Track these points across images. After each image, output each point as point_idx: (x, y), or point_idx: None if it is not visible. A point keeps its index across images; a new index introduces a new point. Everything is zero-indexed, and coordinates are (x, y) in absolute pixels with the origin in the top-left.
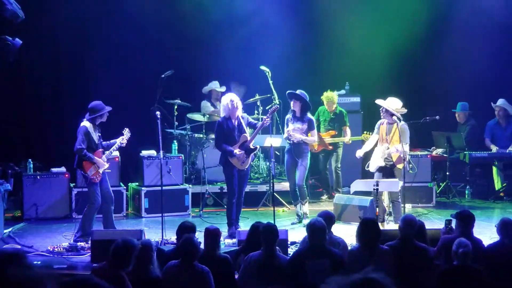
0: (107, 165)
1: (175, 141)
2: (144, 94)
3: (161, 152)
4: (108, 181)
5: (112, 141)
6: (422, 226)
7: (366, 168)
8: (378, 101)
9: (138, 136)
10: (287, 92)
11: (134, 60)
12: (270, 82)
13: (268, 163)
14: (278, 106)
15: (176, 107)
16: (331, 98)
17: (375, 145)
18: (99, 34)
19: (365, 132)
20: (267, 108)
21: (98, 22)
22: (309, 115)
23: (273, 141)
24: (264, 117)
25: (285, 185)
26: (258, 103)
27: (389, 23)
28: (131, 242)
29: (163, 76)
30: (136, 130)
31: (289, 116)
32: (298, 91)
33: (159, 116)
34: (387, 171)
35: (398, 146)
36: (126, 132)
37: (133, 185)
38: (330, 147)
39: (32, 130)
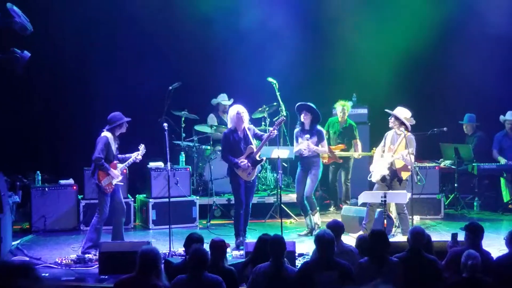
0: (120, 177)
1: (182, 152)
2: (151, 106)
3: (169, 163)
4: (121, 193)
5: (127, 155)
6: (428, 238)
7: (368, 179)
8: (388, 110)
9: (146, 148)
10: (298, 104)
11: (142, 72)
12: (278, 93)
13: (275, 175)
14: (285, 118)
15: (183, 119)
16: (347, 107)
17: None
18: (107, 47)
19: (374, 148)
20: (274, 120)
21: (106, 35)
22: (318, 126)
23: (280, 152)
24: (271, 128)
25: (292, 197)
26: (265, 115)
27: (397, 34)
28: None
29: (170, 88)
30: (144, 141)
31: (297, 129)
32: (308, 103)
33: (166, 128)
34: (390, 182)
35: (403, 152)
36: (142, 148)
37: (140, 196)
38: (341, 160)
39: (40, 142)
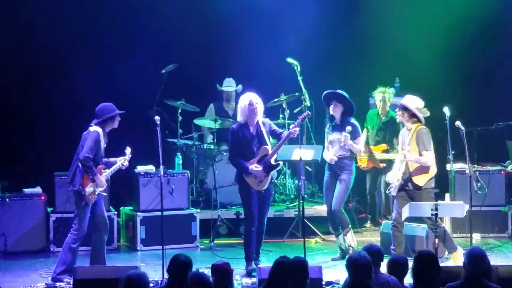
0: (105, 186)
1: (179, 153)
2: (140, 94)
3: (162, 167)
4: (104, 205)
5: (111, 159)
6: (489, 263)
7: (387, 192)
8: (395, 100)
9: (133, 148)
10: (325, 92)
11: (128, 54)
12: (299, 78)
13: (296, 182)
14: (309, 113)
15: (180, 110)
16: (389, 95)
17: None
18: (85, 28)
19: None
20: (295, 111)
21: (86, 15)
22: (352, 120)
23: (303, 153)
24: (292, 125)
25: (318, 210)
26: (284, 106)
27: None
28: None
29: (163, 71)
30: (130, 140)
31: (327, 126)
32: (338, 91)
33: (158, 122)
34: (409, 193)
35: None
36: (128, 153)
37: (126, 209)
38: (382, 165)
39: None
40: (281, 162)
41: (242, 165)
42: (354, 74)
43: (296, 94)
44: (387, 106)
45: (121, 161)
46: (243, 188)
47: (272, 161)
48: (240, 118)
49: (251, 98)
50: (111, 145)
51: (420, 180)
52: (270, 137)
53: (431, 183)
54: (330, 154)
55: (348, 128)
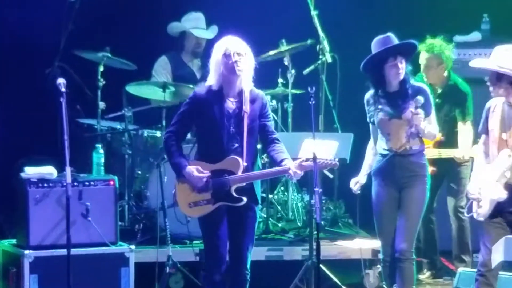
0: None
1: (99, 145)
2: (30, 38)
3: (68, 170)
4: None
5: None
6: None
7: (466, 215)
8: (476, 62)
9: (18, 135)
10: (380, 39)
11: None
12: (313, 13)
13: (307, 198)
14: (336, 163)
15: (101, 69)
16: (439, 50)
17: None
18: None
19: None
20: (305, 72)
21: None
22: (418, 83)
23: (320, 147)
24: (294, 163)
25: (345, 248)
26: (287, 61)
27: None
28: None
29: None
30: (13, 120)
31: (370, 95)
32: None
33: (63, 89)
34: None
35: None
36: None
37: (4, 244)
38: (431, 170)
39: None
40: (244, 199)
41: (176, 157)
42: (407, 8)
43: (308, 41)
44: (441, 71)
45: None
46: None
47: (233, 191)
48: (211, 80)
49: (227, 45)
50: None
51: None
52: (258, 136)
53: None
54: (384, 146)
55: (420, 98)
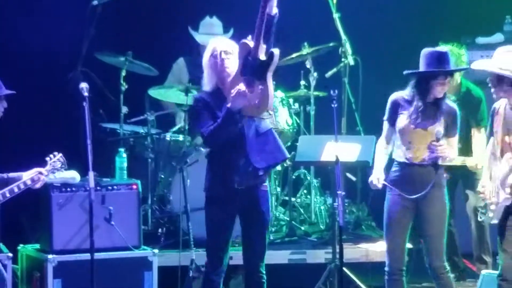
0: None
1: (122, 150)
2: (52, 44)
3: (91, 174)
4: None
5: (14, 174)
6: None
7: (480, 219)
8: (477, 64)
9: (41, 139)
10: (433, 54)
11: None
12: (335, 16)
13: (329, 200)
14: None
15: (124, 73)
16: (458, 54)
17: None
18: None
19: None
20: (327, 75)
21: None
22: (450, 102)
23: (343, 150)
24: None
25: (369, 251)
26: (308, 65)
27: None
28: None
29: (95, 2)
30: (36, 124)
31: (399, 96)
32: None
33: (86, 93)
34: None
35: None
36: (52, 162)
37: (28, 249)
38: (447, 175)
39: None
40: (276, 53)
41: (218, 122)
42: (429, 10)
43: (330, 44)
44: (455, 77)
45: (31, 175)
46: (211, 197)
47: (262, 56)
48: (205, 84)
49: (214, 46)
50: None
51: None
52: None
53: None
54: (401, 155)
55: (439, 130)
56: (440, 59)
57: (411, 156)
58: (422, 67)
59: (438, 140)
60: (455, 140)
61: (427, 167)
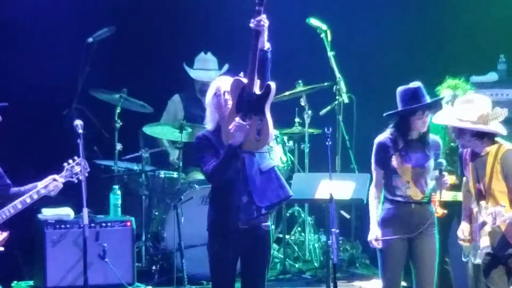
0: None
1: (116, 187)
2: (47, 81)
3: (85, 211)
4: None
5: (29, 186)
6: None
7: (464, 259)
8: (438, 119)
9: (35, 176)
10: (407, 91)
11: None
12: (330, 54)
13: (323, 238)
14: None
15: (119, 110)
16: (462, 91)
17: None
18: None
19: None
20: (321, 113)
21: None
22: (434, 136)
23: (337, 188)
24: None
25: None
26: (303, 102)
27: None
28: None
29: (90, 39)
30: (31, 161)
31: (384, 139)
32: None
33: (80, 130)
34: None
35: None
36: (70, 168)
37: (22, 285)
38: (442, 212)
39: None
40: (273, 86)
41: (221, 158)
42: (424, 49)
43: (325, 84)
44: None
45: (46, 184)
46: (214, 235)
47: (257, 91)
48: (208, 121)
49: (218, 85)
50: None
51: None
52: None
53: None
54: (398, 193)
55: (442, 161)
56: (415, 94)
57: (410, 194)
58: (399, 106)
59: (441, 171)
60: (444, 179)
61: (424, 204)
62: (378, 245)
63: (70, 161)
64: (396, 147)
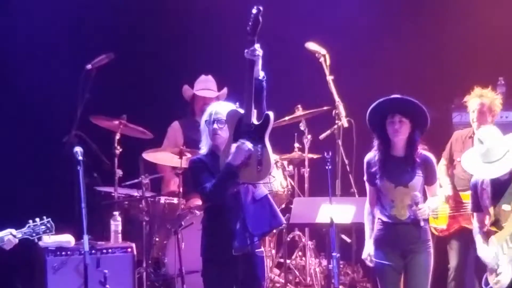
0: None
1: (116, 213)
2: (46, 107)
3: (86, 237)
4: None
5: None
6: None
7: (484, 287)
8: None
9: (35, 203)
10: (377, 102)
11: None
12: (329, 78)
13: (324, 262)
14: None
15: (118, 136)
16: (491, 99)
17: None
18: None
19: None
20: (321, 137)
21: None
22: (424, 151)
23: (337, 212)
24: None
25: None
26: (302, 127)
27: None
28: None
29: (89, 66)
30: (31, 188)
31: (371, 156)
32: (405, 97)
33: (80, 157)
34: None
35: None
36: (32, 226)
37: None
38: (441, 229)
39: None
40: (271, 115)
41: (219, 177)
42: (423, 72)
43: (324, 108)
44: (490, 116)
45: (2, 236)
46: (208, 262)
47: (254, 121)
48: (203, 147)
49: (210, 111)
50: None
51: None
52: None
53: None
54: (385, 213)
55: (417, 194)
56: (383, 102)
57: (395, 213)
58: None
59: (417, 204)
60: (435, 187)
61: (410, 224)
62: (371, 263)
63: (37, 219)
64: (380, 164)
